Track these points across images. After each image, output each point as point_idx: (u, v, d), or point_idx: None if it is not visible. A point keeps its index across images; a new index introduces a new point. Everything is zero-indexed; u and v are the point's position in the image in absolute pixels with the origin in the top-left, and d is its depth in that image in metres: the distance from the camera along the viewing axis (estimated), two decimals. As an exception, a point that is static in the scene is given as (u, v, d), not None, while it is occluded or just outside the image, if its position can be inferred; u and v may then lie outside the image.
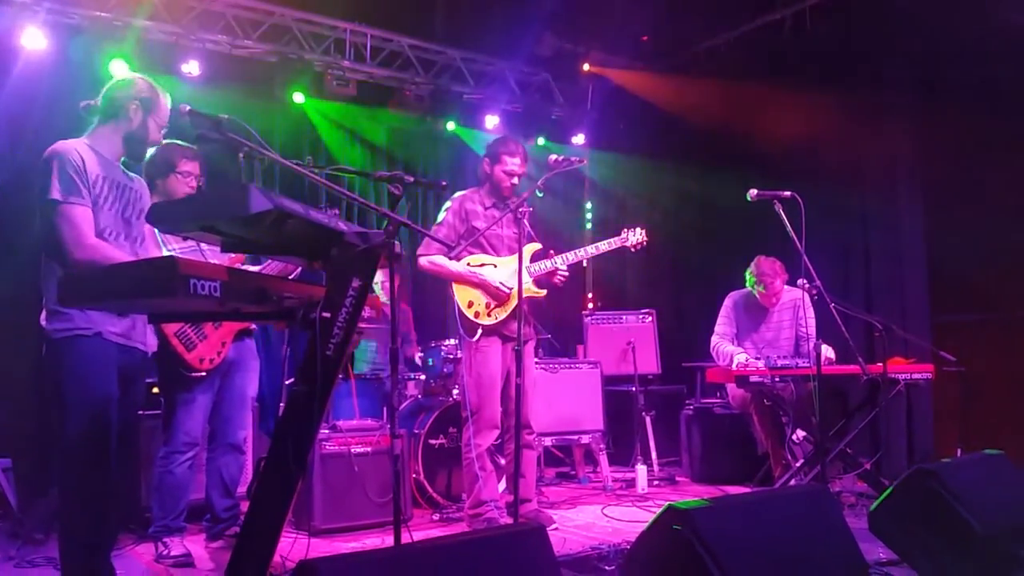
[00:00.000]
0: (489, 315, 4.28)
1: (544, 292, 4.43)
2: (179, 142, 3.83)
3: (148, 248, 3.25)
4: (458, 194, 4.48)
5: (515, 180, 4.41)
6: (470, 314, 4.29)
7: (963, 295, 5.59)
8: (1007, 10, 5.04)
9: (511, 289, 4.24)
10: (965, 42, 5.31)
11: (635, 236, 4.62)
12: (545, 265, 4.37)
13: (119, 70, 5.69)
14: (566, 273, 4.41)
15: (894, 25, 5.79)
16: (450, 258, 4.28)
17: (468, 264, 4.33)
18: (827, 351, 5.16)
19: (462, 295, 4.32)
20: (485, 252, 4.39)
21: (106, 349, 2.96)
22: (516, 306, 4.06)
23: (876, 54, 5.92)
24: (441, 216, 4.43)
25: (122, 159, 3.22)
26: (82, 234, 2.90)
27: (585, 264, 8.34)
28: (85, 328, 2.93)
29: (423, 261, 4.38)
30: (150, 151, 3.46)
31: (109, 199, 3.05)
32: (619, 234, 4.64)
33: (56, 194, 2.89)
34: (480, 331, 4.28)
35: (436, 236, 4.25)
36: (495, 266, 4.34)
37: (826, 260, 5.35)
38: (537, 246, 4.48)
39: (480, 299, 4.30)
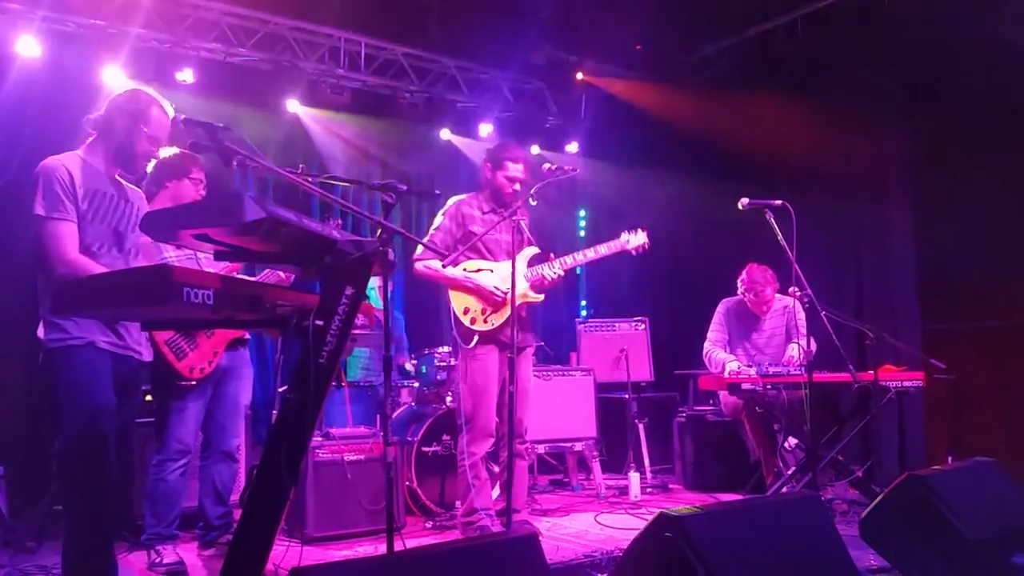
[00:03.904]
0: (485, 321, 4.26)
1: (542, 297, 4.36)
2: (191, 153, 3.87)
3: (143, 260, 3.25)
4: (455, 199, 4.44)
5: (517, 186, 4.34)
6: (466, 320, 4.27)
7: (953, 303, 5.62)
8: (999, 18, 5.09)
9: (505, 293, 4.20)
10: (956, 49, 5.35)
11: (636, 239, 4.45)
12: (541, 271, 4.33)
13: (113, 78, 5.71)
14: (560, 274, 4.34)
15: (885, 34, 5.83)
16: (445, 264, 4.26)
17: (464, 269, 4.30)
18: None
19: (458, 301, 4.30)
20: (483, 257, 4.35)
21: (100, 358, 2.97)
22: (511, 313, 4.05)
23: (867, 63, 5.96)
24: (438, 221, 4.40)
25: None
26: (64, 249, 2.93)
27: (579, 272, 8.36)
28: (78, 338, 2.94)
29: (418, 266, 4.36)
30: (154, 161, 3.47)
31: (99, 213, 3.06)
32: (618, 237, 4.48)
33: (40, 209, 2.93)
34: (476, 338, 4.25)
35: (432, 241, 4.26)
36: (491, 271, 4.32)
37: (817, 268, 5.38)
38: (535, 250, 4.42)
39: (476, 305, 4.28)
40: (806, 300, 4.53)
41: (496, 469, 4.72)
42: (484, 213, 4.38)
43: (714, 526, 2.45)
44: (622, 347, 6.34)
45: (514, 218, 4.02)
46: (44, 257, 2.93)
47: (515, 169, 4.33)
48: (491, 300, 4.26)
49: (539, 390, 5.45)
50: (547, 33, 7.17)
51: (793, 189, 4.90)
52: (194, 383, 3.85)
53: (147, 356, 3.31)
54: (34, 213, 2.93)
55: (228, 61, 6.42)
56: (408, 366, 6.16)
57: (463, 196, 4.45)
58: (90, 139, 3.14)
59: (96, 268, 2.97)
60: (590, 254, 4.49)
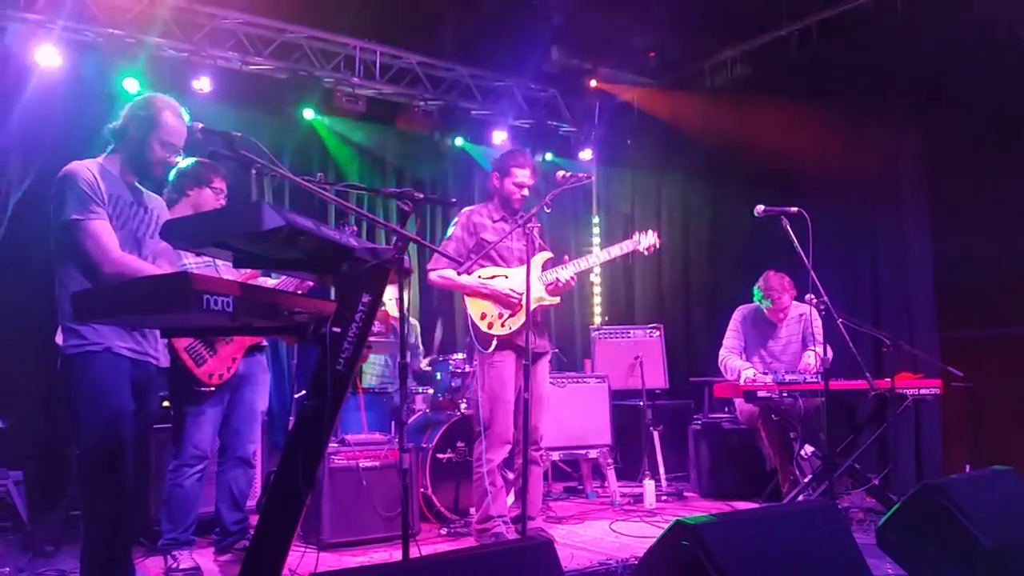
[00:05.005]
0: (503, 325, 4.28)
1: (558, 300, 4.42)
2: (213, 163, 3.91)
3: (163, 267, 3.28)
4: (466, 209, 4.50)
5: (525, 192, 4.41)
6: (483, 326, 4.28)
7: (971, 310, 5.58)
8: (1010, 24, 5.07)
9: (521, 294, 4.22)
10: (969, 55, 5.32)
11: (647, 239, 4.57)
12: (556, 274, 4.36)
13: (131, 87, 5.76)
14: (574, 276, 4.41)
15: (900, 39, 5.80)
16: (460, 272, 4.28)
17: (480, 276, 4.34)
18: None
19: (474, 308, 4.32)
20: (496, 264, 4.40)
21: (118, 364, 2.98)
22: (527, 319, 4.05)
23: (882, 68, 5.93)
24: (450, 231, 4.45)
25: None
26: (107, 248, 2.92)
27: (594, 279, 8.35)
28: (96, 344, 2.95)
29: (433, 276, 4.39)
30: (175, 169, 3.51)
31: (120, 218, 3.08)
32: (631, 237, 4.62)
33: (73, 213, 2.91)
34: (495, 342, 4.26)
35: (446, 251, 4.29)
36: (506, 276, 4.35)
37: (833, 275, 5.36)
38: (548, 254, 4.47)
39: (492, 310, 4.30)
40: (822, 307, 4.52)
41: (511, 476, 4.72)
42: (495, 221, 4.43)
43: (730, 535, 2.44)
44: (637, 354, 6.33)
45: (527, 226, 4.03)
46: (87, 259, 2.89)
47: (522, 175, 4.37)
48: (507, 303, 4.28)
49: (554, 397, 5.45)
50: (560, 41, 7.19)
51: (808, 196, 4.88)
52: (212, 389, 3.88)
53: (164, 362, 3.34)
54: (66, 218, 2.90)
55: (244, 70, 6.47)
56: (424, 364, 6.13)
57: (473, 206, 4.52)
58: (109, 147, 3.17)
59: (142, 265, 2.98)
60: (603, 256, 4.64)
